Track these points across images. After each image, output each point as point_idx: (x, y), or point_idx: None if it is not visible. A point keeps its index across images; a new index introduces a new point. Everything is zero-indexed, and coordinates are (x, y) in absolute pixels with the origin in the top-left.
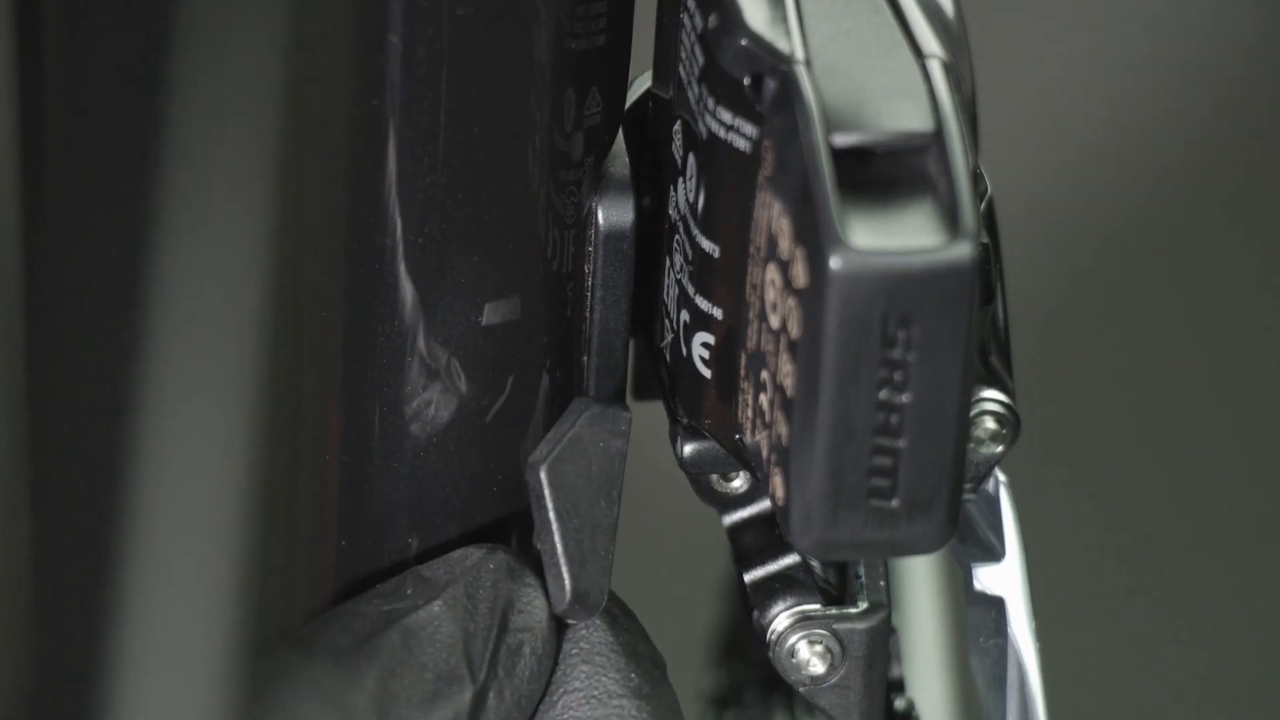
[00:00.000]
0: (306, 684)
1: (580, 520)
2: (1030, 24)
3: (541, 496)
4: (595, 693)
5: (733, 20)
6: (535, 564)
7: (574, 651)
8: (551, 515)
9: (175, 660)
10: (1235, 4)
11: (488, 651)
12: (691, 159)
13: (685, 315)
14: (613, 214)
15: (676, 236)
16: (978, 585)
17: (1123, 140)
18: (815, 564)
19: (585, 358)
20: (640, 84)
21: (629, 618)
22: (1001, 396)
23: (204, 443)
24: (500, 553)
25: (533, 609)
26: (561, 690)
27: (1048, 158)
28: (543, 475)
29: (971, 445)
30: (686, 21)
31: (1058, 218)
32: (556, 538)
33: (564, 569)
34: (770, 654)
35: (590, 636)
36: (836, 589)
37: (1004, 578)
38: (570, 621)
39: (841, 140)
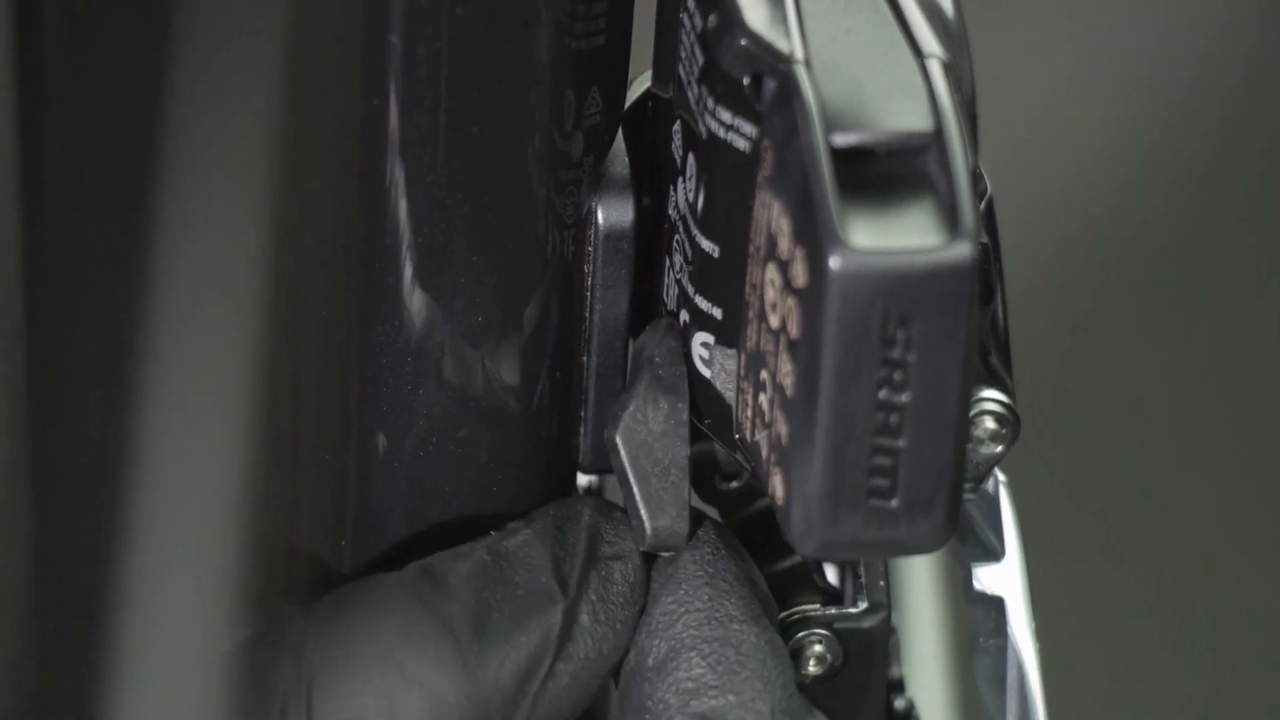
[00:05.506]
0: (402, 589)
1: (650, 462)
2: (1034, 24)
3: (617, 450)
4: (718, 615)
5: (732, 20)
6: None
7: (698, 574)
8: (626, 464)
9: (175, 660)
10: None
11: (575, 572)
12: (691, 159)
13: (685, 315)
14: (612, 213)
15: (676, 236)
16: (978, 585)
17: (1126, 140)
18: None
19: (585, 358)
20: (640, 84)
21: (745, 552)
22: (1001, 396)
23: (203, 446)
24: (588, 498)
25: (621, 540)
26: (684, 610)
27: (1049, 158)
28: (617, 437)
29: (971, 445)
30: (686, 21)
31: (1057, 218)
32: (632, 482)
33: (641, 509)
34: None
35: (715, 562)
36: (836, 589)
37: (1004, 578)
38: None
39: (841, 140)
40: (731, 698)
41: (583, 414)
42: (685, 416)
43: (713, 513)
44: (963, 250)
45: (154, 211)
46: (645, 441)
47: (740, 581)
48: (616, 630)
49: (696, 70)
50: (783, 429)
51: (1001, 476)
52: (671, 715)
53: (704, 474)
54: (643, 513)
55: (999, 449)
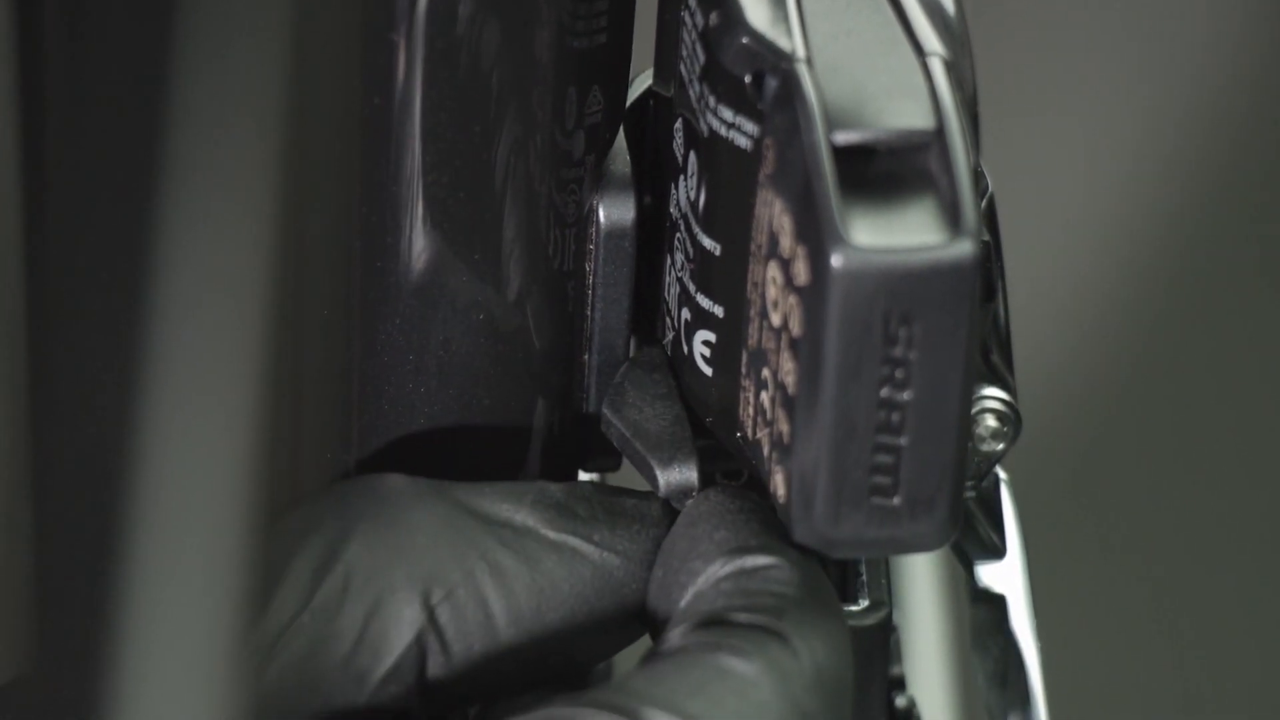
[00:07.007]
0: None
1: (647, 420)
2: (1036, 23)
3: (611, 422)
4: (731, 507)
5: (734, 18)
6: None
7: (716, 497)
8: (624, 429)
9: (176, 664)
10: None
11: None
12: (693, 157)
13: (686, 313)
14: (614, 212)
15: (678, 234)
16: (979, 583)
17: (1127, 138)
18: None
19: (586, 356)
20: (641, 82)
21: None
22: (1003, 394)
23: (203, 445)
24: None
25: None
26: (701, 514)
27: (1050, 157)
28: (606, 412)
29: (972, 443)
30: (688, 19)
31: (1057, 215)
32: (632, 439)
33: (650, 461)
34: None
35: (732, 493)
36: (838, 587)
37: (1005, 576)
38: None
39: (843, 138)
40: (755, 541)
41: (584, 412)
42: (672, 384)
43: None
44: (964, 248)
45: (155, 210)
46: (637, 405)
47: (758, 505)
48: (626, 544)
49: (698, 68)
50: (784, 427)
51: (1003, 474)
52: (697, 576)
53: (704, 474)
54: (652, 464)
55: (1000, 447)
